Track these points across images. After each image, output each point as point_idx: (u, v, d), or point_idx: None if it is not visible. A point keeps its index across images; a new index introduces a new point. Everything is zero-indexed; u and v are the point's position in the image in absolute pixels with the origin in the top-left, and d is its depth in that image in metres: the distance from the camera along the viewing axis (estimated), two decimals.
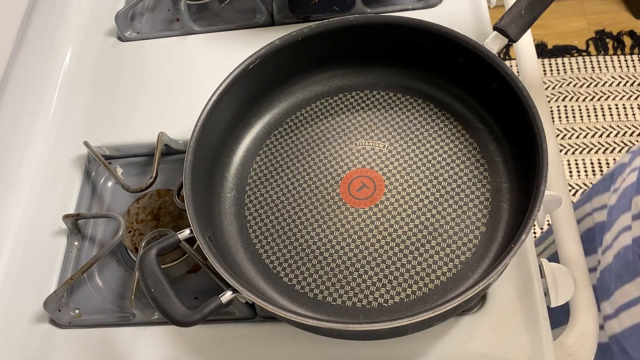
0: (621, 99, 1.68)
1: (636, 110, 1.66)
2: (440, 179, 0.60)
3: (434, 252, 0.56)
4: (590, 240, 0.71)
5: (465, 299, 0.45)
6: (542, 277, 0.56)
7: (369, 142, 0.63)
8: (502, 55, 0.58)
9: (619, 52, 1.75)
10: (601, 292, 0.66)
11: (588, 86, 1.70)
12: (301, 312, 0.54)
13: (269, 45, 0.61)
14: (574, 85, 1.71)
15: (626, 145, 1.62)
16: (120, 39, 0.80)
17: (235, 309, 0.57)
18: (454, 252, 0.55)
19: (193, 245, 0.59)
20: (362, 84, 0.67)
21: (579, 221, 0.76)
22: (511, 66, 0.67)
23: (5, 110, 0.69)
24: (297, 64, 0.65)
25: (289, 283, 0.56)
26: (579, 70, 1.73)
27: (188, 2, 0.79)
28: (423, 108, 0.64)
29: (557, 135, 1.65)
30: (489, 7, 0.74)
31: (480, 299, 0.56)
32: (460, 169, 0.60)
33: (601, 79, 1.71)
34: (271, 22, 0.77)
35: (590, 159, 1.60)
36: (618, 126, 1.64)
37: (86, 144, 0.69)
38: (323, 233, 0.58)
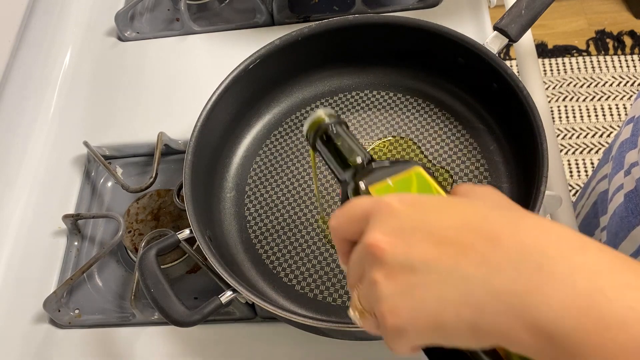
0: (621, 99, 1.67)
1: None
2: (441, 179, 0.60)
3: None
4: (596, 213, 0.70)
5: None
6: None
7: (369, 142, 0.63)
8: (502, 55, 0.58)
9: (619, 52, 1.75)
10: None
11: (588, 86, 1.70)
12: (301, 312, 0.54)
13: (269, 45, 0.61)
14: (574, 85, 1.71)
15: None
16: (120, 39, 0.80)
17: (235, 309, 0.57)
18: None
19: (193, 245, 0.59)
20: (362, 84, 0.67)
21: (586, 200, 0.75)
22: (511, 66, 0.67)
23: (5, 110, 0.69)
24: (297, 64, 0.65)
25: (289, 283, 0.56)
26: (579, 70, 1.73)
27: (188, 2, 0.79)
28: (423, 108, 0.64)
29: (557, 135, 1.65)
30: (489, 7, 0.74)
31: None
32: (461, 169, 0.60)
33: (601, 79, 1.71)
34: (271, 22, 0.77)
35: (591, 159, 1.60)
36: (618, 126, 1.64)
37: (86, 144, 0.69)
38: (323, 233, 0.58)
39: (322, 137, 0.43)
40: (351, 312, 0.31)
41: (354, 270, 0.31)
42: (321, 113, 0.44)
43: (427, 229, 0.28)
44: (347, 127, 0.44)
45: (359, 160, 0.40)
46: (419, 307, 0.27)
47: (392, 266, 0.28)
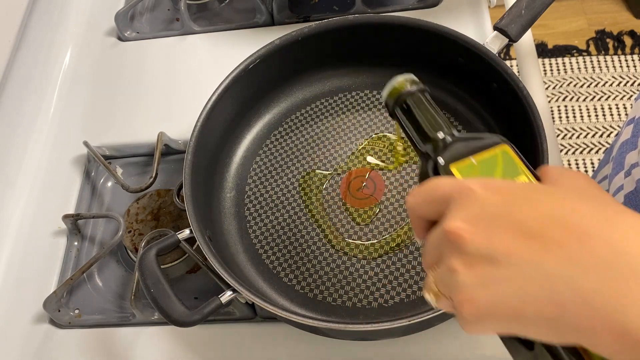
0: (621, 99, 1.67)
1: None
2: None
3: None
4: None
5: None
6: None
7: (369, 142, 0.63)
8: (502, 55, 0.58)
9: (619, 52, 1.75)
10: None
11: (588, 86, 1.70)
12: (301, 312, 0.54)
13: (269, 45, 0.61)
14: (574, 85, 1.71)
15: None
16: (120, 38, 0.80)
17: (235, 309, 0.57)
18: None
19: (193, 245, 0.59)
20: (362, 84, 0.67)
21: None
22: (511, 66, 0.67)
23: (5, 110, 0.69)
24: (297, 64, 0.65)
25: (289, 283, 0.56)
26: (579, 70, 1.73)
27: (188, 2, 0.79)
28: None
29: (557, 135, 1.65)
30: (489, 7, 0.74)
31: None
32: None
33: (601, 79, 1.71)
34: (271, 22, 0.77)
35: (591, 159, 1.60)
36: (618, 126, 1.64)
37: (86, 144, 0.69)
38: (323, 233, 0.58)
39: (402, 106, 0.40)
40: (426, 295, 0.31)
41: (431, 251, 0.30)
42: (402, 79, 0.41)
43: (511, 220, 0.27)
44: (430, 94, 0.41)
45: (440, 135, 0.37)
46: (499, 300, 0.26)
47: (472, 256, 0.27)
